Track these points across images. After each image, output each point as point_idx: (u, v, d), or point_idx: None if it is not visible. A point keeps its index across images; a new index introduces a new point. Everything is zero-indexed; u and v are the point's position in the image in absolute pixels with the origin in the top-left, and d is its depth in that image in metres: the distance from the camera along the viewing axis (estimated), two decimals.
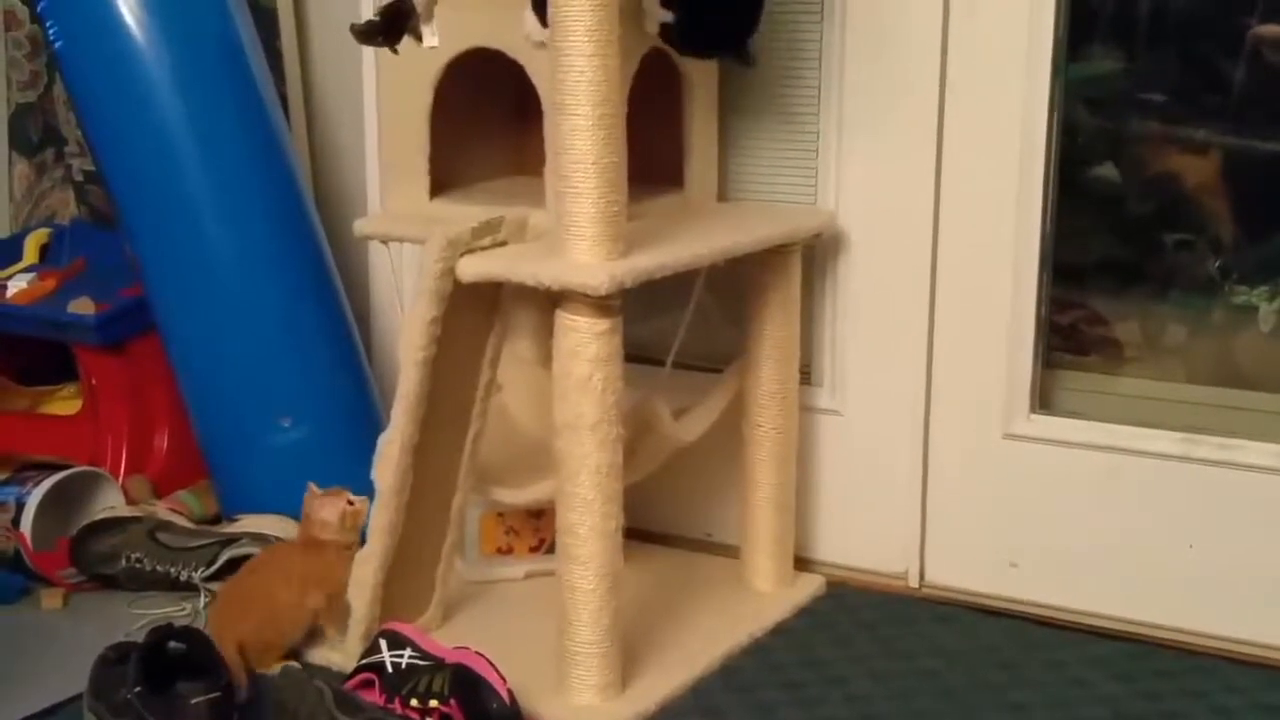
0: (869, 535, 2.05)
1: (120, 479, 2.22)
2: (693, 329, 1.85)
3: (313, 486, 1.77)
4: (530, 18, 1.60)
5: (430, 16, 1.60)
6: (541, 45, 1.58)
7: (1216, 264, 1.94)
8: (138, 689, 1.54)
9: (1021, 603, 1.95)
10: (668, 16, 1.66)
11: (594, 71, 1.48)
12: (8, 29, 2.65)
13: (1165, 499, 1.85)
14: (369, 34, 1.66)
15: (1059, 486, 1.91)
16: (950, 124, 1.90)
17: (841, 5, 1.92)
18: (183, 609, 1.94)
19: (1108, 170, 2.03)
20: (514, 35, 1.70)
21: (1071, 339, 2.03)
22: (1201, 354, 2.00)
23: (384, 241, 1.93)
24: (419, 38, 1.62)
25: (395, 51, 1.66)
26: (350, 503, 1.76)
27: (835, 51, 1.93)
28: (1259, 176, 1.92)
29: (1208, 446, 1.81)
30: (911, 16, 1.89)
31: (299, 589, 1.76)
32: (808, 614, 1.95)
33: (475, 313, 1.70)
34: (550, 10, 1.50)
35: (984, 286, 1.91)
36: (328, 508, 1.76)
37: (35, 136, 2.67)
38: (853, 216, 1.97)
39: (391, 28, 1.63)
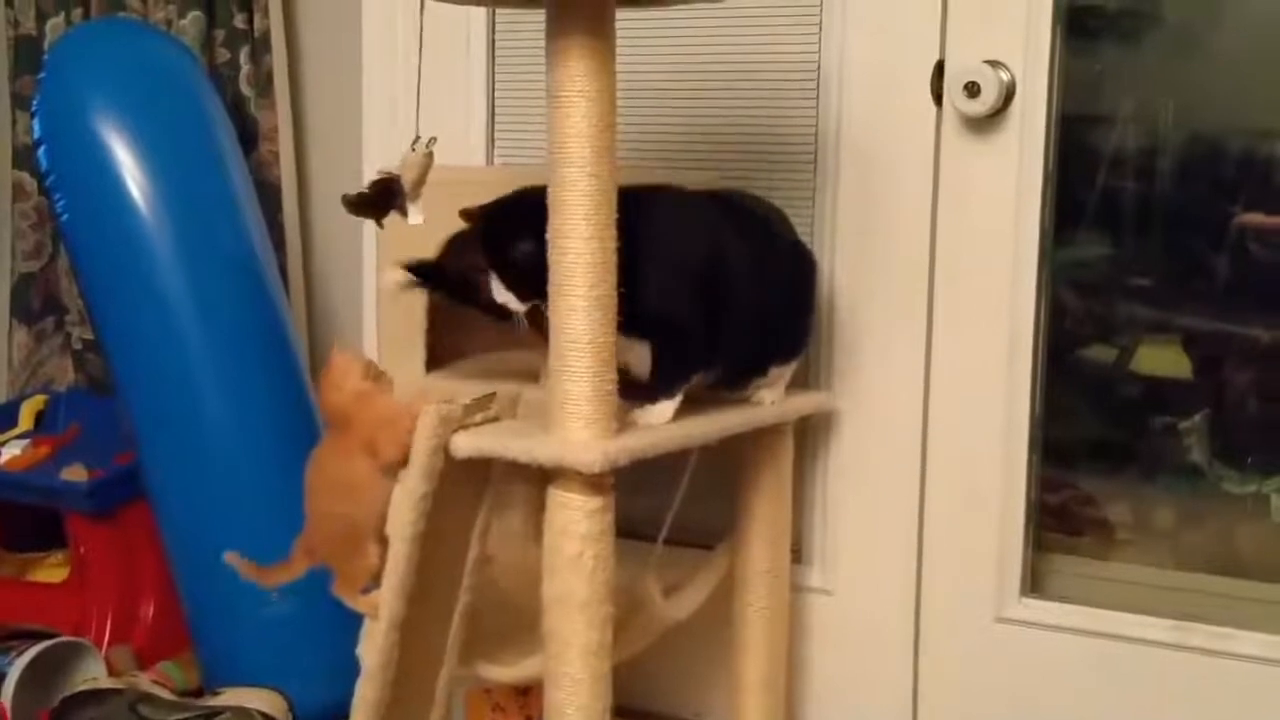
0: (860, 717, 2.02)
1: (104, 648, 2.20)
2: (685, 504, 1.85)
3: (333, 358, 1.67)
4: (500, 289, 1.65)
5: (417, 196, 1.65)
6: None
7: (1247, 458, 1.95)
8: None
9: None
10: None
11: (590, 254, 1.51)
12: (15, 200, 2.70)
13: (1157, 687, 1.83)
14: (359, 205, 1.70)
15: (1051, 672, 1.89)
16: (939, 308, 1.93)
17: (833, 192, 1.97)
18: None
19: (1096, 352, 2.05)
20: None
21: (1062, 519, 2.04)
22: (1196, 540, 2.00)
23: None
24: (404, 214, 1.66)
25: (381, 225, 1.70)
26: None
27: (826, 237, 1.97)
28: (1251, 364, 1.94)
29: (1201, 635, 1.80)
30: (901, 204, 1.93)
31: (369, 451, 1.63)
32: None
33: (466, 487, 1.70)
34: (549, 195, 1.53)
35: (974, 468, 1.92)
36: (347, 369, 1.64)
37: (36, 305, 2.70)
38: (844, 397, 1.99)
39: (379, 202, 1.67)
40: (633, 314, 1.60)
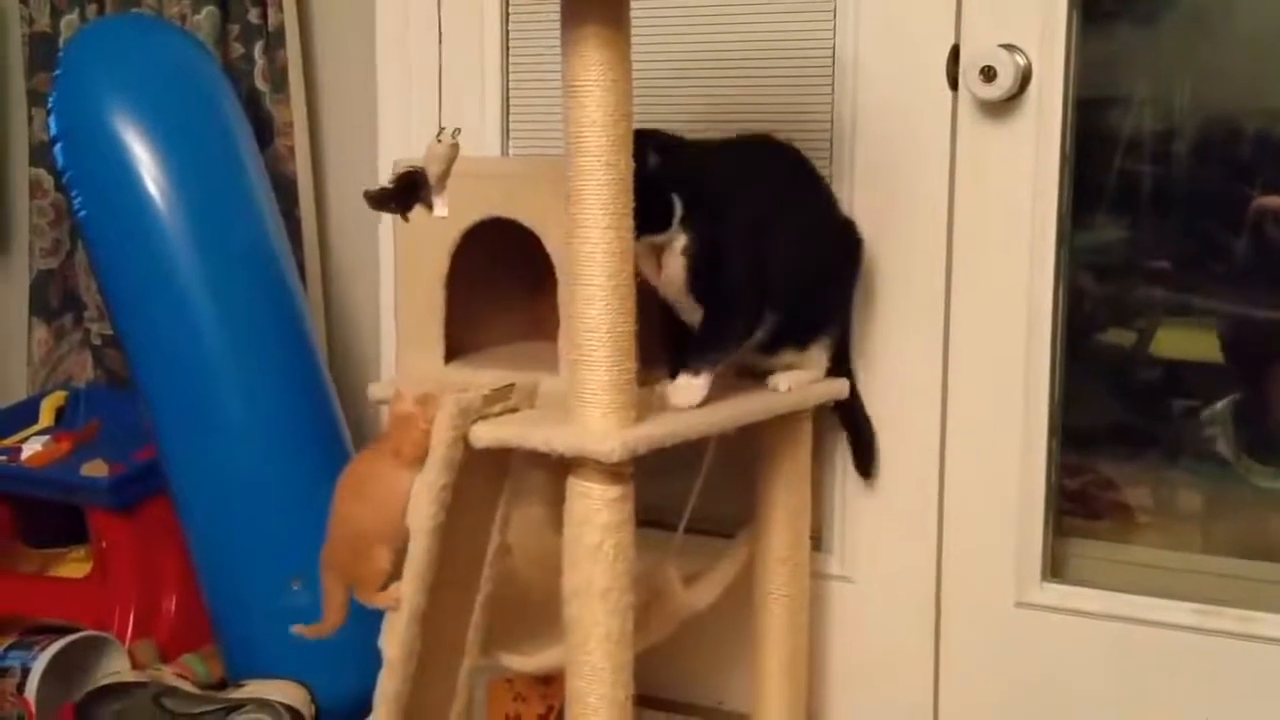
0: (881, 704, 2.02)
1: (127, 642, 2.20)
2: (704, 492, 1.85)
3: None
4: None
5: (442, 189, 1.64)
6: None
7: (1268, 440, 1.94)
8: None
9: None
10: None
11: (608, 243, 1.51)
12: (32, 197, 2.71)
13: (1180, 671, 1.83)
14: (382, 200, 1.70)
15: (1072, 656, 1.89)
16: (957, 293, 1.93)
17: (849, 178, 1.96)
18: None
19: (1114, 335, 2.05)
20: (530, 204, 1.74)
21: (1082, 503, 2.03)
22: (1216, 522, 2.00)
23: None
24: (429, 207, 1.65)
25: (406, 219, 1.69)
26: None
27: None
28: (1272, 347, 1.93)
29: (1224, 618, 1.80)
30: (918, 190, 1.92)
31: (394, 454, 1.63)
32: None
33: (485, 477, 1.71)
34: (567, 182, 1.53)
35: (993, 454, 1.92)
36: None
37: (55, 302, 2.71)
38: (863, 383, 1.99)
39: (404, 196, 1.67)
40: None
